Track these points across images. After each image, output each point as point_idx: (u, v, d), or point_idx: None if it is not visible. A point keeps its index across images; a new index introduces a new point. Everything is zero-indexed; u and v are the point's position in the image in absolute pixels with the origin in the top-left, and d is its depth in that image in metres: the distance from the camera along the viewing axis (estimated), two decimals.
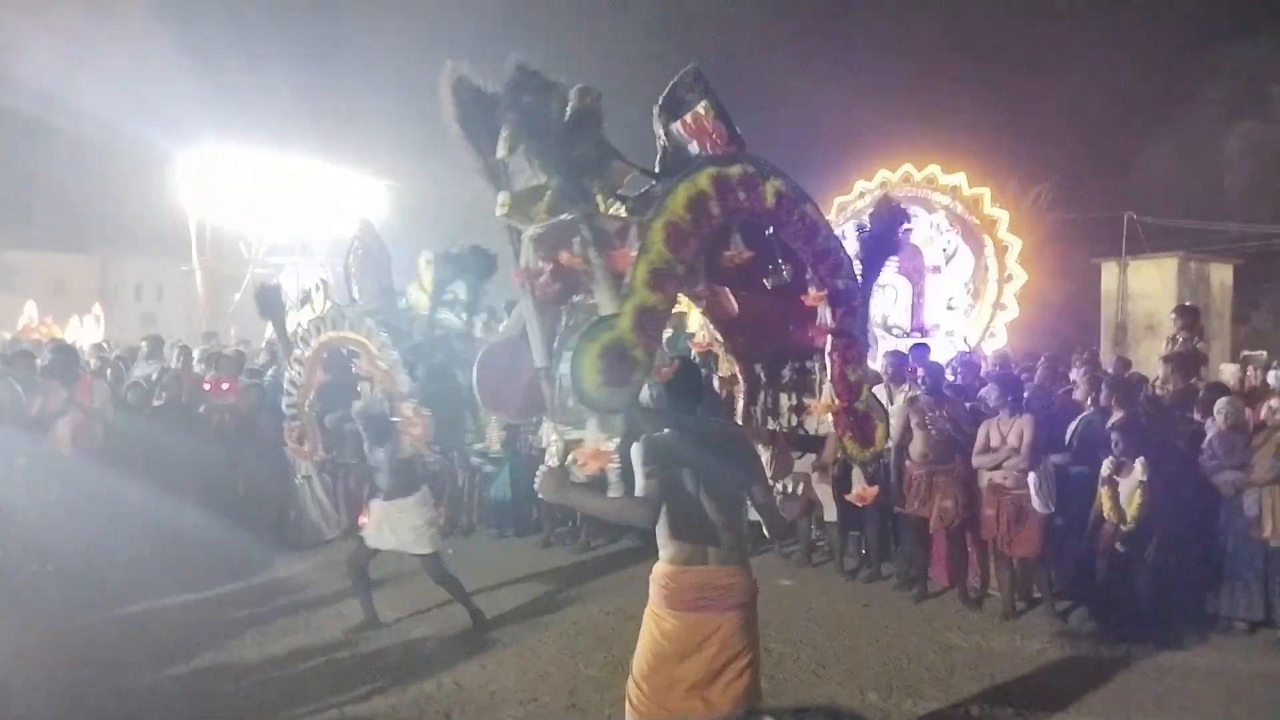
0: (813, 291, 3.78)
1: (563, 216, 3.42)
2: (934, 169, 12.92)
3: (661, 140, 3.87)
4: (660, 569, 3.53)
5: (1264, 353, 12.62)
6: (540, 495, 3.50)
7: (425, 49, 25.65)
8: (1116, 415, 6.74)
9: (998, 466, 6.60)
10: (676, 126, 3.83)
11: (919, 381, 7.41)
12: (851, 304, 3.81)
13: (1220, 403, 6.65)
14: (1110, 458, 6.26)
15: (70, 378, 8.06)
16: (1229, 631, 6.32)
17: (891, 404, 7.33)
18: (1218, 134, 27.12)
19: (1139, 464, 6.12)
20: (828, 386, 3.93)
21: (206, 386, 9.20)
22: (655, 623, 3.49)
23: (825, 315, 3.80)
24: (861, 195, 13.60)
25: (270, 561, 8.08)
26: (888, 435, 3.96)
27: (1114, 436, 6.27)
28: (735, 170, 3.47)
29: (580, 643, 6.17)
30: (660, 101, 3.89)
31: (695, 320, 10.65)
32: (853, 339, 3.85)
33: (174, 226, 22.07)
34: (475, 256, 6.72)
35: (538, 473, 3.49)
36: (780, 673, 5.66)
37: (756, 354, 4.47)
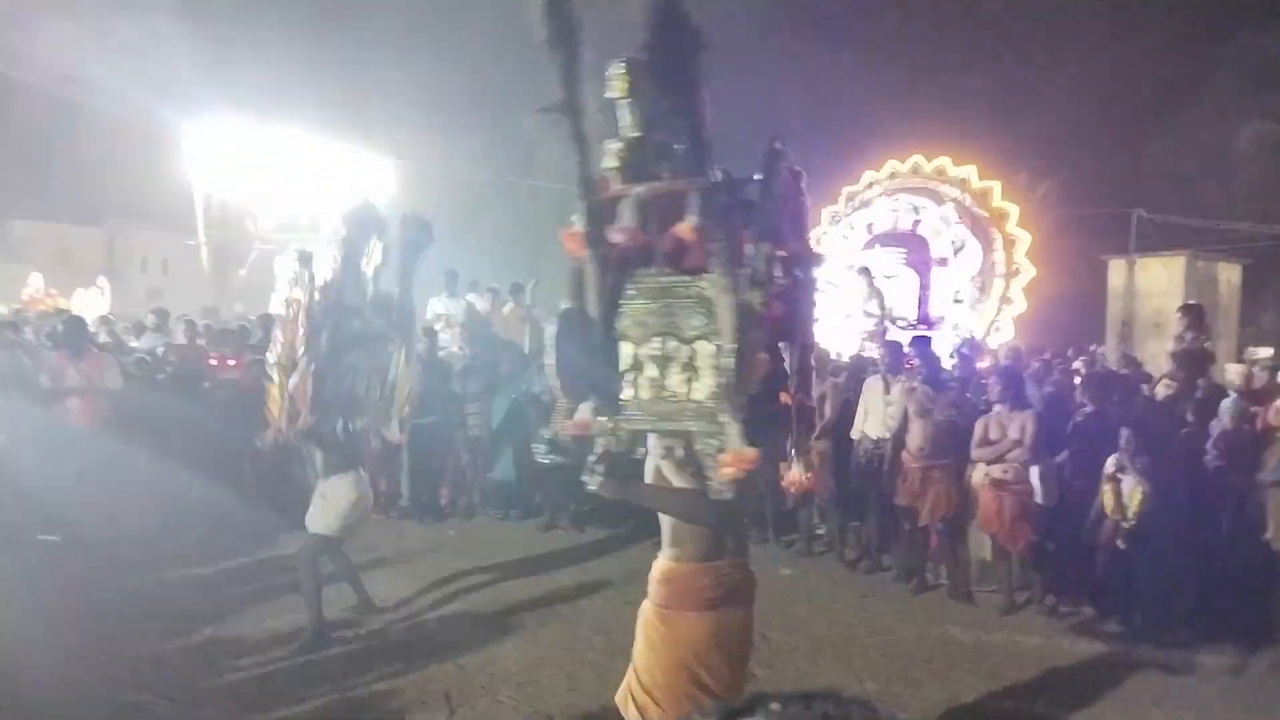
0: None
1: (687, 181, 3.26)
2: (944, 160, 12.88)
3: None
4: (711, 568, 3.41)
5: (1271, 349, 12.58)
6: (599, 491, 3.44)
7: (437, 27, 25.59)
8: (1087, 410, 6.85)
9: (999, 459, 6.61)
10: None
11: (916, 372, 7.44)
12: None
13: (1226, 402, 6.65)
14: (1115, 454, 6.26)
15: (79, 350, 8.09)
16: (1228, 630, 6.34)
17: (887, 394, 7.35)
18: (1229, 132, 26.95)
19: (1142, 462, 6.12)
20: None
21: (212, 362, 9.23)
22: (702, 624, 3.37)
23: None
24: (870, 185, 13.57)
25: (275, 537, 8.11)
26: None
27: (1124, 433, 6.26)
28: None
29: (580, 626, 6.21)
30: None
31: None
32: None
33: (181, 200, 22.08)
34: (405, 224, 6.23)
35: (591, 468, 3.42)
36: (778, 661, 5.69)
37: None
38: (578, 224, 3.45)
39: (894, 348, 7.98)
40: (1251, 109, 27.26)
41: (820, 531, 8.28)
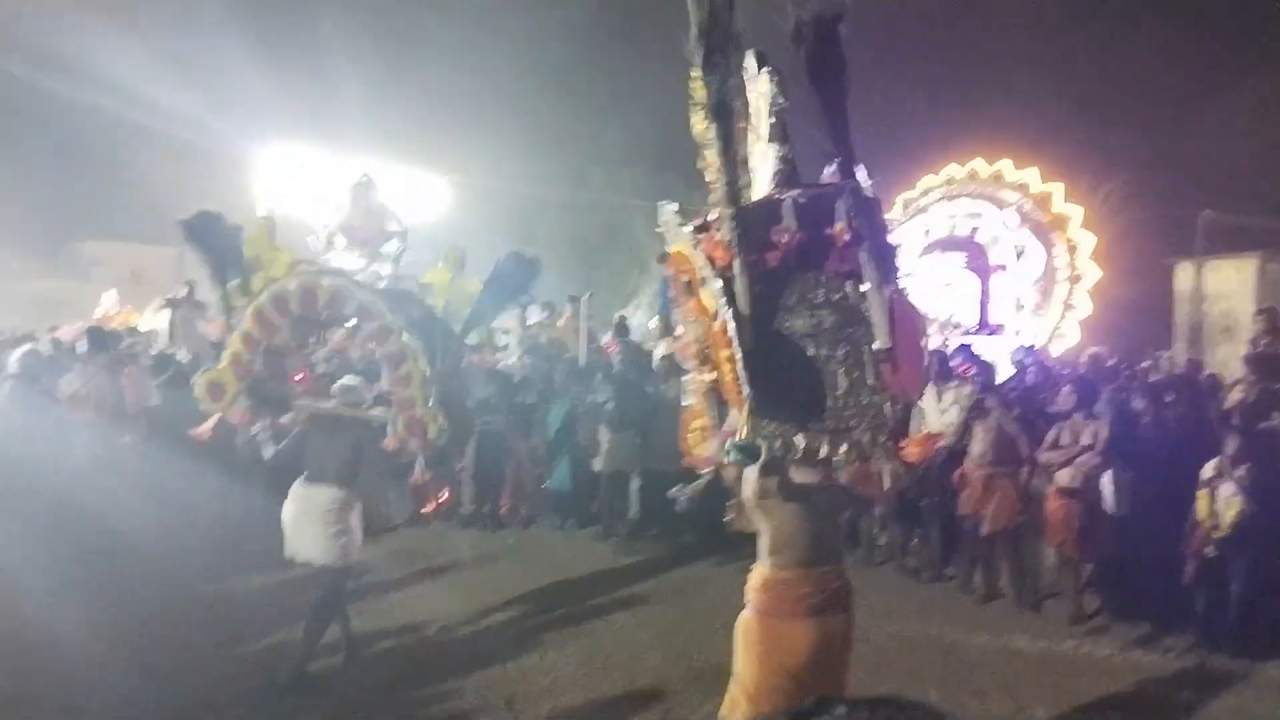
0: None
1: (835, 185, 3.53)
2: (1004, 164, 12.66)
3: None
4: (773, 578, 3.52)
5: None
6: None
7: (490, 43, 25.92)
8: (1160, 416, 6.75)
9: (1067, 464, 6.46)
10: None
11: (974, 380, 7.32)
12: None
13: None
14: (1215, 460, 6.05)
15: (117, 365, 8.32)
16: None
17: (939, 402, 7.24)
18: None
19: (1242, 469, 5.91)
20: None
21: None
22: (772, 635, 3.48)
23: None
24: (926, 192, 13.40)
25: None
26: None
27: (1228, 440, 6.06)
28: None
29: (640, 635, 6.21)
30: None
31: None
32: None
33: (248, 221, 22.63)
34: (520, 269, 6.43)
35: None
36: None
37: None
38: (723, 234, 3.52)
39: (940, 355, 7.87)
40: None
41: (881, 541, 8.17)
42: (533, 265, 6.49)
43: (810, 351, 3.55)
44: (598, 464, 8.90)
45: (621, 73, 24.17)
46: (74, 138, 26.72)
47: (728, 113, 3.41)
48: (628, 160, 25.33)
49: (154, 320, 15.90)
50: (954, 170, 13.05)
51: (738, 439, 3.59)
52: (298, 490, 5.50)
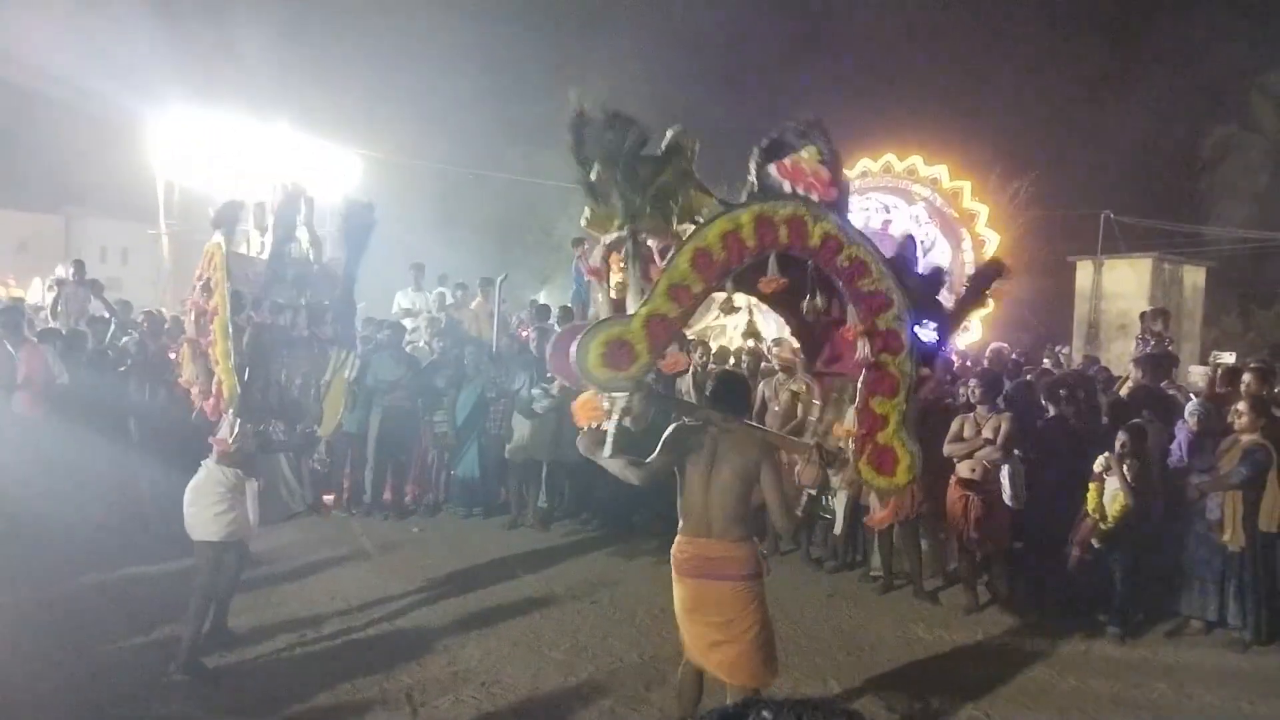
0: (855, 325, 3.99)
1: (620, 233, 3.95)
2: (915, 160, 12.90)
3: (751, 177, 3.99)
4: (675, 540, 4.15)
5: (1233, 354, 12.74)
6: (580, 449, 4.13)
7: (408, 19, 25.29)
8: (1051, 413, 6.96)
9: (968, 456, 6.61)
10: (773, 168, 3.98)
11: None
12: (898, 341, 4.01)
13: (1191, 405, 6.72)
14: (1105, 454, 6.26)
15: (17, 340, 7.88)
16: (1186, 630, 6.40)
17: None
18: (1196, 137, 27.36)
19: (1128, 465, 6.13)
20: (851, 412, 4.14)
21: (172, 355, 8.99)
22: (674, 586, 4.14)
23: (863, 348, 3.99)
24: None
25: None
26: (912, 470, 4.08)
27: (1120, 436, 6.27)
28: (784, 211, 3.84)
29: (544, 625, 6.13)
30: (764, 144, 4.03)
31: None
32: (884, 373, 3.98)
33: (142, 189, 21.65)
34: (347, 208, 6.14)
35: (581, 430, 4.09)
36: None
37: (830, 373, 4.63)
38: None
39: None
40: (1216, 116, 27.69)
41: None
42: (368, 209, 6.18)
43: None
44: (509, 451, 8.76)
45: (539, 54, 23.89)
46: None
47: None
48: (545, 142, 25.04)
49: (41, 295, 15.13)
50: (867, 164, 13.25)
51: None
52: (201, 468, 5.37)
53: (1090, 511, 6.25)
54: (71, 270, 11.70)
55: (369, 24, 24.84)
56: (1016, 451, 6.65)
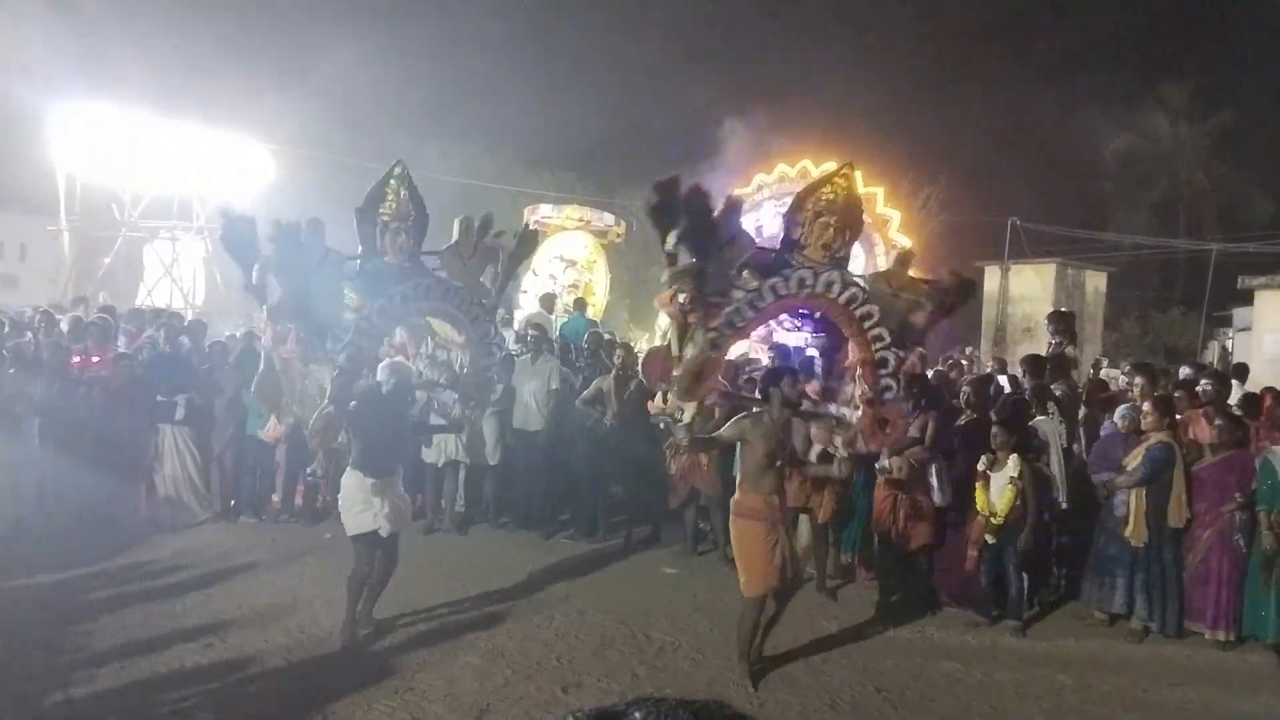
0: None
1: (678, 282, 5.33)
2: (830, 166, 13.08)
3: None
4: (735, 495, 5.50)
5: (1122, 364, 13.40)
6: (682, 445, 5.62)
7: (317, 14, 24.66)
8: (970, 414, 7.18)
9: (896, 454, 6.73)
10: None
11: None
12: (886, 369, 5.90)
13: (1121, 409, 6.98)
14: (986, 455, 6.47)
15: None
16: (1090, 622, 6.65)
17: None
18: (1097, 149, 28.52)
19: (1012, 460, 6.35)
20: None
21: (75, 359, 8.59)
22: (735, 528, 5.47)
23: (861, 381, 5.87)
24: (760, 188, 13.74)
25: (135, 542, 7.70)
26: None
27: (994, 431, 6.48)
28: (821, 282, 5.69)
29: (460, 629, 6.06)
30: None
31: None
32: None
33: (41, 184, 20.74)
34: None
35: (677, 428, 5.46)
36: (661, 661, 5.68)
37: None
38: None
39: (781, 351, 8.04)
40: (1114, 129, 28.89)
41: (706, 531, 8.29)
42: (248, 222, 6.04)
43: None
44: (429, 455, 8.61)
45: (459, 50, 23.60)
46: None
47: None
48: (465, 138, 24.78)
49: None
50: (784, 169, 13.44)
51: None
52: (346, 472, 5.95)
53: (980, 510, 6.46)
54: None
55: (284, 18, 24.22)
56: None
